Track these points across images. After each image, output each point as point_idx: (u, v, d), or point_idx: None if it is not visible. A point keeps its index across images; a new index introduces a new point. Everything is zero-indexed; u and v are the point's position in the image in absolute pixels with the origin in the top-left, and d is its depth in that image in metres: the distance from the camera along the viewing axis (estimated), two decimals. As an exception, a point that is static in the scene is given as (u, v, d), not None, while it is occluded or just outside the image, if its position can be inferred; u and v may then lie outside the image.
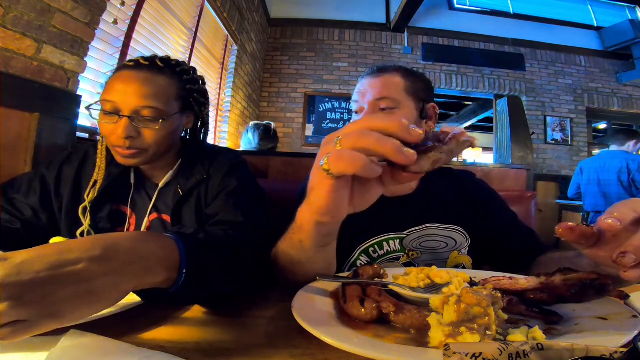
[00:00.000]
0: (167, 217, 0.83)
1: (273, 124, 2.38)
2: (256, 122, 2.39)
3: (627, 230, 0.39)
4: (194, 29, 2.76)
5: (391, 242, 0.79)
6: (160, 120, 0.76)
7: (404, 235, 0.79)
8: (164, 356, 0.37)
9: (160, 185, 0.84)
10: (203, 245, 0.49)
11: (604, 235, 0.42)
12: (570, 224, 0.42)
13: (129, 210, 0.84)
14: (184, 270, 0.43)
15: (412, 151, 0.34)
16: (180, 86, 0.82)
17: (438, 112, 0.87)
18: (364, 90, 0.82)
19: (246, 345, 0.42)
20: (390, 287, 0.51)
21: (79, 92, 1.27)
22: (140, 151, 0.77)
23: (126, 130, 0.73)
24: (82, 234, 0.79)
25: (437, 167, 0.36)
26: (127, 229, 0.83)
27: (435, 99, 0.88)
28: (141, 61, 0.78)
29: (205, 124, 0.93)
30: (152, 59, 0.80)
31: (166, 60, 0.82)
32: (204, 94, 0.90)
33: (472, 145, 0.37)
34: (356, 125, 0.36)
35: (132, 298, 0.45)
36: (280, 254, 0.58)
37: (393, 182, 0.40)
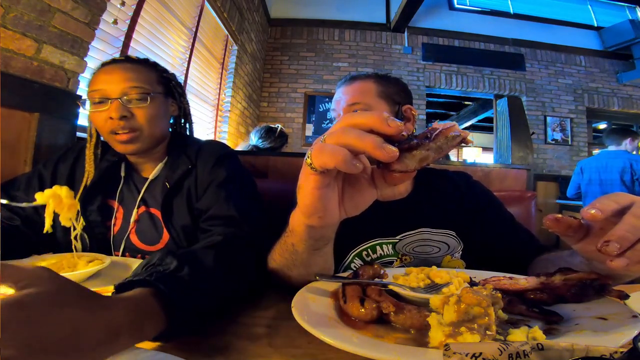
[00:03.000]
0: (155, 211, 0.84)
1: (280, 126, 2.35)
2: (266, 124, 2.37)
3: (612, 223, 0.39)
4: (194, 29, 2.76)
5: (384, 246, 0.79)
6: (149, 98, 0.80)
7: (397, 240, 0.79)
8: (164, 356, 0.37)
9: (151, 177, 0.85)
10: (188, 286, 0.44)
11: (592, 228, 0.43)
12: (556, 215, 0.42)
13: (116, 204, 0.85)
14: (173, 320, 0.40)
15: (392, 147, 0.33)
16: (157, 73, 0.86)
17: (416, 113, 0.89)
18: (339, 98, 0.86)
19: (246, 345, 0.42)
20: (390, 287, 0.51)
21: (79, 92, 1.27)
22: (136, 134, 0.79)
23: (119, 110, 0.76)
24: (75, 238, 0.79)
25: (425, 165, 0.35)
26: (114, 223, 0.84)
27: (412, 102, 0.91)
28: (117, 58, 0.84)
29: (187, 115, 0.97)
30: (126, 56, 0.86)
31: (138, 57, 0.87)
32: (180, 85, 0.94)
33: (465, 141, 0.35)
34: (339, 123, 0.36)
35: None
36: (275, 257, 0.58)
37: (385, 185, 0.39)
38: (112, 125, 0.77)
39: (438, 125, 0.35)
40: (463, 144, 0.35)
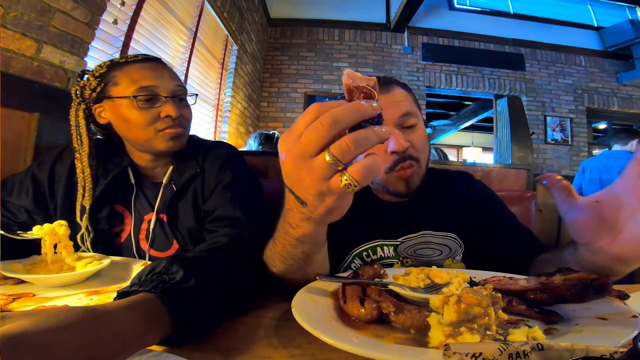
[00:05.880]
0: (163, 216, 0.82)
1: (277, 133, 2.42)
2: (261, 131, 2.45)
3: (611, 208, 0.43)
4: (194, 29, 2.76)
5: (385, 248, 0.79)
6: (195, 99, 0.85)
7: (398, 243, 0.79)
8: (166, 356, 0.37)
9: (165, 182, 0.83)
10: (194, 298, 0.43)
11: (589, 198, 0.47)
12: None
13: (125, 211, 0.84)
14: (179, 331, 0.40)
15: (384, 129, 0.34)
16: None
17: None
18: (383, 105, 0.77)
19: (246, 345, 0.42)
20: (390, 287, 0.51)
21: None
22: (184, 129, 0.81)
23: (178, 108, 0.78)
24: (82, 238, 0.79)
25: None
26: (123, 229, 0.83)
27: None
28: (148, 56, 0.82)
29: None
30: (154, 57, 0.84)
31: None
32: None
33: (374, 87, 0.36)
34: (320, 130, 0.33)
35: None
36: (275, 263, 0.57)
37: None
38: (165, 123, 0.77)
39: (351, 79, 0.35)
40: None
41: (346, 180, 0.34)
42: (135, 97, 0.74)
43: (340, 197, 0.37)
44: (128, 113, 0.75)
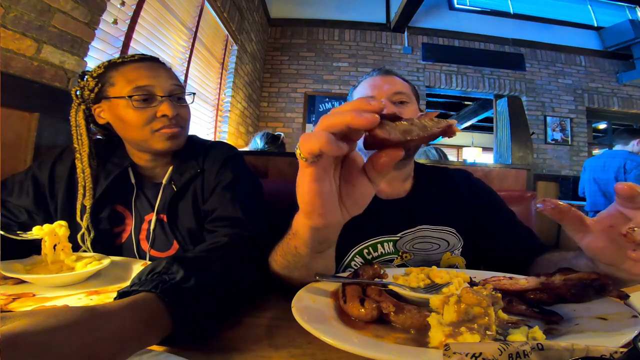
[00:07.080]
0: (163, 216, 0.82)
1: (283, 134, 2.49)
2: (269, 131, 2.51)
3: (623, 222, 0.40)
4: (194, 29, 2.76)
5: (385, 244, 0.80)
6: (193, 97, 0.85)
7: (397, 238, 0.80)
8: (166, 356, 0.37)
9: (164, 182, 0.83)
10: (194, 298, 0.44)
11: (602, 223, 0.44)
12: (552, 200, 0.44)
13: (126, 212, 0.84)
14: (179, 330, 0.40)
15: (372, 114, 0.33)
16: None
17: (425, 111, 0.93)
18: (380, 84, 0.84)
19: (246, 345, 0.42)
20: (390, 287, 0.51)
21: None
22: (182, 129, 0.81)
23: (174, 108, 0.77)
24: (82, 238, 0.79)
25: (409, 139, 0.34)
26: (124, 230, 0.83)
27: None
28: (144, 56, 0.82)
29: None
30: (151, 56, 0.83)
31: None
32: None
33: (451, 130, 0.36)
34: (322, 124, 0.36)
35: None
36: (277, 258, 0.58)
37: (378, 175, 0.39)
38: (161, 123, 0.77)
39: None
40: (449, 132, 0.36)
41: (298, 150, 0.36)
42: (131, 97, 0.74)
43: (304, 177, 0.37)
44: (125, 113, 0.75)
